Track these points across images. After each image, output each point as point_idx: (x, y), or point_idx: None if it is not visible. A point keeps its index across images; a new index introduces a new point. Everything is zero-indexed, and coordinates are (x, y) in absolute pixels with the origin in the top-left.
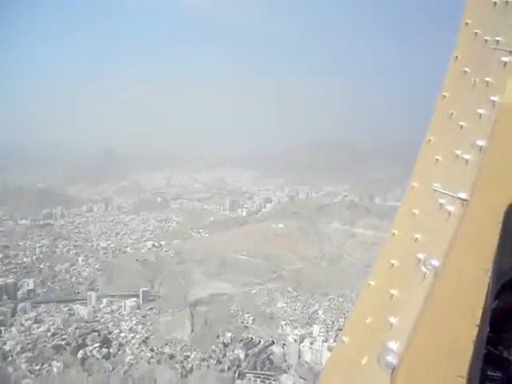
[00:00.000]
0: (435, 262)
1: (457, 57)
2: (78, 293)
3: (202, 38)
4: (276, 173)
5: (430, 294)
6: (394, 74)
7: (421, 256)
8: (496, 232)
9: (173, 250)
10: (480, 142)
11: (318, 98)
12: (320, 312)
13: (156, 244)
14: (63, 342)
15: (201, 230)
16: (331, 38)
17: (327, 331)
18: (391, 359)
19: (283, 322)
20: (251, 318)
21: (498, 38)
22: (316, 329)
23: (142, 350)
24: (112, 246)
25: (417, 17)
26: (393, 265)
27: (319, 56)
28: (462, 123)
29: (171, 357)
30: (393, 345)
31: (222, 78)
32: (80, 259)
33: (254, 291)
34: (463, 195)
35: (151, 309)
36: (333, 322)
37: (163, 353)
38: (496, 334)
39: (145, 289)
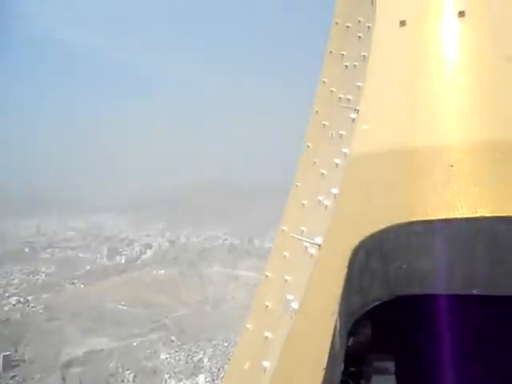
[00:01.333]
0: (295, 305)
1: (317, 111)
2: None
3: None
4: (156, 217)
5: (287, 337)
6: (275, 112)
7: (290, 297)
8: (342, 275)
9: (42, 304)
10: (334, 190)
11: (198, 140)
12: (205, 360)
13: (22, 300)
14: None
15: (75, 281)
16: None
17: (213, 380)
18: None
19: (167, 376)
20: (132, 374)
21: (348, 97)
22: (201, 378)
23: None
24: None
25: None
26: (267, 307)
27: (205, 96)
28: (323, 171)
29: None
30: None
31: (102, 120)
32: None
33: (135, 344)
34: (319, 240)
35: (14, 377)
36: (218, 370)
37: None
38: (358, 367)
39: (6, 353)
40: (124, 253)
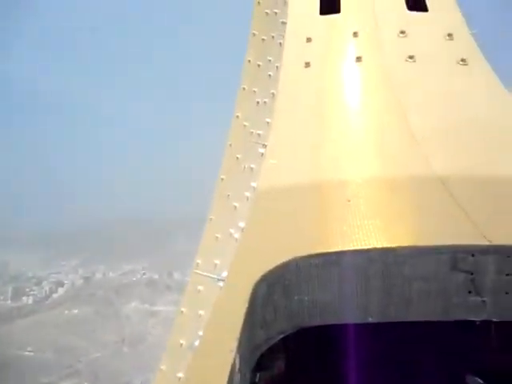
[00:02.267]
0: (196, 343)
1: (230, 144)
2: None
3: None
4: (69, 253)
5: (184, 377)
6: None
7: (201, 334)
8: (242, 310)
9: None
10: (242, 224)
11: (113, 170)
12: None
13: None
14: None
15: None
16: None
17: None
18: None
19: None
20: None
21: (259, 132)
22: None
23: None
24: None
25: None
26: (181, 345)
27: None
28: (235, 204)
29: None
30: None
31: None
32: None
33: None
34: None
35: None
36: None
37: None
38: None
39: None
40: (32, 293)
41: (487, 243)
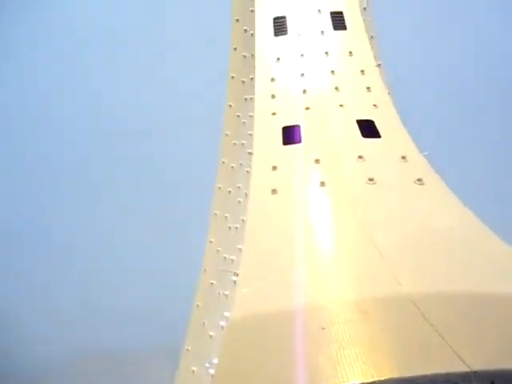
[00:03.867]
0: None
1: (205, 270)
2: None
3: None
4: None
5: None
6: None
7: None
8: None
9: None
10: (215, 361)
11: (74, 293)
12: None
13: None
14: None
15: None
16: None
17: None
18: None
19: None
20: None
21: (232, 257)
22: None
23: None
24: None
25: None
26: None
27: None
28: (211, 333)
29: None
30: None
31: None
32: None
33: None
34: None
35: None
36: None
37: None
38: None
39: None
40: None
41: (467, 369)
